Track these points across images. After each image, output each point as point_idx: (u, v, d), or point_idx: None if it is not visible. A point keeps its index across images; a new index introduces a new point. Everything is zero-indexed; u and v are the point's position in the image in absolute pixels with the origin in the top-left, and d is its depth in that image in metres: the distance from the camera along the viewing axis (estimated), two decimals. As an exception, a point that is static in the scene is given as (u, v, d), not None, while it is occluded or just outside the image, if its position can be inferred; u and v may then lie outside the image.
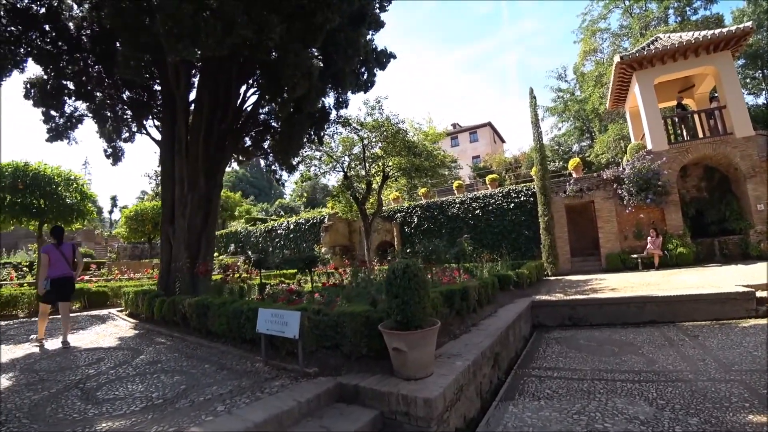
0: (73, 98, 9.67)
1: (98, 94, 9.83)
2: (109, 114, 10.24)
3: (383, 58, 10.87)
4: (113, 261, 22.27)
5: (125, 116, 10.68)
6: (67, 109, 9.69)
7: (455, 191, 19.36)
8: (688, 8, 23.93)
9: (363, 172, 14.75)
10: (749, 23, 13.19)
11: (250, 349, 5.10)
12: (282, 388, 3.72)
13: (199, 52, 6.53)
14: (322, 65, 8.91)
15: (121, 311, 9.54)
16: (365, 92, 11.36)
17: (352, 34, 8.72)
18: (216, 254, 21.31)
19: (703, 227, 13.90)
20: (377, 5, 9.90)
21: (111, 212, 58.13)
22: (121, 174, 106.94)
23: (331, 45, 8.85)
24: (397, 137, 13.58)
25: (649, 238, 13.18)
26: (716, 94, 14.95)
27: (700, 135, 14.11)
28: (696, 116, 14.63)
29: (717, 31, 13.46)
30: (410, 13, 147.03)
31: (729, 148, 12.95)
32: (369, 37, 10.44)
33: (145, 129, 10.40)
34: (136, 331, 7.40)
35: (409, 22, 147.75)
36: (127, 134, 11.01)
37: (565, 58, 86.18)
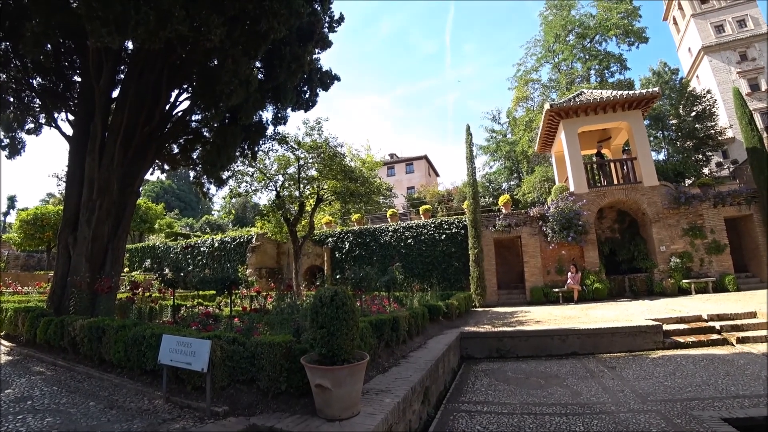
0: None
1: (2, 75, 8.55)
2: (12, 99, 8.94)
3: (327, 79, 10.74)
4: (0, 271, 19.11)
5: (33, 105, 9.41)
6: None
7: (389, 219, 19.39)
8: (606, 71, 27.13)
9: (296, 193, 14.19)
10: (656, 89, 15.09)
11: (151, 382, 4.39)
12: (182, 432, 3.16)
13: (126, 43, 5.90)
14: (262, 77, 8.51)
15: (-5, 332, 7.98)
16: (306, 111, 11.09)
17: (298, 50, 8.49)
18: (127, 270, 19.22)
19: (616, 265, 15.17)
20: (326, 25, 9.82)
21: (6, 214, 50.76)
22: (26, 172, 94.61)
23: (276, 58, 8.54)
24: (335, 160, 13.32)
25: (569, 273, 14.06)
26: (628, 147, 16.75)
27: (615, 182, 15.61)
28: (612, 164, 16.22)
29: (631, 92, 15.25)
30: (360, 45, 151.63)
31: (638, 195, 14.44)
32: (315, 55, 10.29)
33: (55, 122, 9.21)
34: (10, 358, 6.16)
35: (360, 51, 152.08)
36: (32, 125, 9.72)
37: (498, 102, 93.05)
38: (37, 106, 9.36)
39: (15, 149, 9.26)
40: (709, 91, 25.77)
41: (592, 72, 27.34)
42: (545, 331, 8.22)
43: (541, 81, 30.04)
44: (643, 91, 14.98)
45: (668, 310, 9.65)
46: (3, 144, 9.13)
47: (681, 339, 7.91)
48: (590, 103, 15.00)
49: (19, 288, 13.02)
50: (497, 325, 9.31)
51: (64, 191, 10.63)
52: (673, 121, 24.52)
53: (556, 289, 13.93)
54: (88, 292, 7.16)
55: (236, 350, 3.82)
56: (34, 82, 9.09)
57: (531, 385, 6.00)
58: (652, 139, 24.89)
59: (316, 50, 10.30)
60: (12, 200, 51.40)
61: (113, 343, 4.80)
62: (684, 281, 13.12)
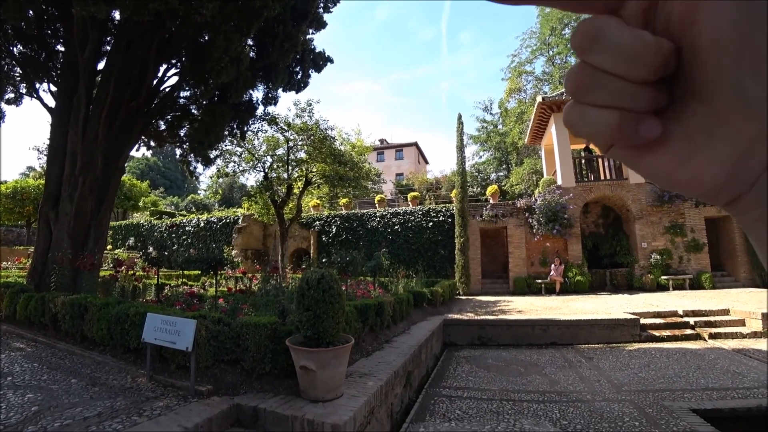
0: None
1: (-20, 41, 8.23)
2: (-9, 67, 8.62)
3: (320, 60, 10.58)
4: (-23, 245, 18.64)
5: (13, 74, 9.10)
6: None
7: (376, 205, 19.38)
8: (599, 67, 27.31)
9: (285, 175, 14.08)
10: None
11: (134, 360, 4.38)
12: (166, 410, 3.16)
13: (113, 12, 5.69)
14: (254, 55, 8.33)
15: (-28, 306, 7.81)
16: (297, 92, 10.96)
17: (291, 29, 8.32)
18: (110, 247, 18.93)
19: (598, 259, 15.49)
20: (322, 4, 9.63)
21: (-16, 187, 49.07)
22: (5, 144, 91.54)
23: (269, 36, 8.36)
24: (324, 143, 13.21)
25: (552, 265, 14.32)
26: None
27: (602, 177, 15.82)
28: (600, 160, 16.40)
29: (622, 88, 15.34)
30: (356, 28, 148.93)
31: (623, 191, 14.69)
32: (309, 36, 10.12)
33: (37, 93, 8.94)
34: (-12, 332, 6.06)
35: (356, 35, 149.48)
36: (11, 95, 9.43)
37: (491, 93, 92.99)
38: (17, 75, 9.06)
39: (-6, 119, 8.96)
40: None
41: (586, 67, 27.48)
42: (526, 321, 8.39)
43: (534, 73, 30.11)
44: (635, 88, 15.09)
45: (646, 305, 9.93)
46: (-19, 113, 8.83)
47: (657, 333, 8.16)
48: (582, 98, 15.07)
49: (-2, 262, 12.74)
50: (480, 313, 9.47)
51: (45, 165, 10.38)
52: (662, 120, 24.83)
53: (539, 281, 14.20)
54: (70, 268, 7.06)
55: (221, 330, 3.82)
56: (15, 50, 8.75)
57: (511, 373, 6.15)
58: (640, 136, 25.19)
59: (310, 30, 10.11)
60: (-10, 172, 49.71)
61: (96, 320, 4.75)
62: (663, 277, 13.49)
